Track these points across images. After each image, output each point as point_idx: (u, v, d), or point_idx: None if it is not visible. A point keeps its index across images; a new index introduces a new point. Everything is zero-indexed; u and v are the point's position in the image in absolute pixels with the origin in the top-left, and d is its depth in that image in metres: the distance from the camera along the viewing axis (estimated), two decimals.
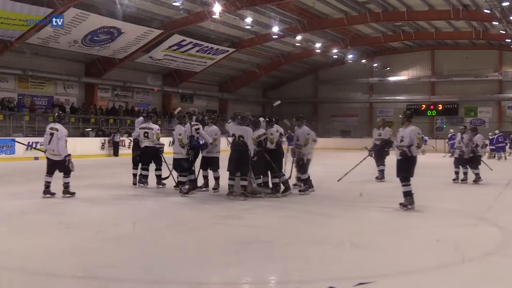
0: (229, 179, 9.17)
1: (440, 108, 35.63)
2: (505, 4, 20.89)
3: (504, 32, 26.41)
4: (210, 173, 10.18)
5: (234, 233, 6.53)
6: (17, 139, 10.87)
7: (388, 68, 36.27)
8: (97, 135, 24.13)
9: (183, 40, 25.99)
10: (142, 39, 24.20)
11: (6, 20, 18.77)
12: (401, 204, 8.23)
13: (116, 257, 5.24)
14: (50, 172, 8.99)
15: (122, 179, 11.61)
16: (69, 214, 7.69)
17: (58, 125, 8.97)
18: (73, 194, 9.06)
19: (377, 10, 25.78)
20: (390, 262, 5.14)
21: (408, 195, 8.21)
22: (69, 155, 8.86)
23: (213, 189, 10.05)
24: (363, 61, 35.35)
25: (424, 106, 36.32)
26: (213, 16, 21.77)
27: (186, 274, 4.67)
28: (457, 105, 35.37)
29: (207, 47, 27.78)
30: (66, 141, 8.81)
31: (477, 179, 12.35)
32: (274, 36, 27.19)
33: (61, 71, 25.16)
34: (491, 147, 23.93)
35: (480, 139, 12.58)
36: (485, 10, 22.83)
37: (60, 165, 8.85)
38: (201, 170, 10.16)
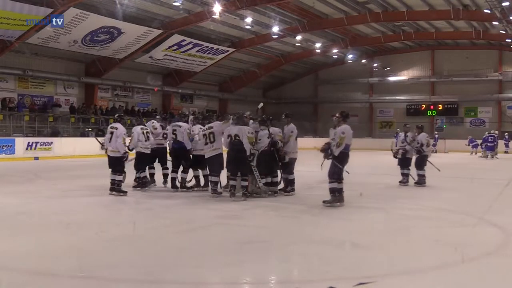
0: (230, 179, 9.16)
1: (440, 108, 35.62)
2: (505, 4, 20.91)
3: (504, 32, 26.44)
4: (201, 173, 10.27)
5: (234, 233, 6.52)
6: (97, 138, 11.24)
7: (388, 68, 36.30)
8: (97, 135, 24.11)
9: (183, 40, 26.01)
10: (142, 39, 24.22)
11: (6, 20, 18.79)
12: (324, 201, 8.34)
13: (116, 257, 5.23)
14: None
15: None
16: (69, 214, 7.68)
17: (117, 124, 9.55)
18: (125, 193, 9.36)
19: (377, 10, 25.81)
20: (390, 262, 5.13)
21: (331, 192, 8.32)
22: (127, 152, 9.40)
23: (203, 187, 10.12)
24: (363, 61, 35.37)
25: (424, 106, 36.35)
26: (213, 16, 21.79)
27: (186, 274, 4.66)
28: (457, 105, 35.39)
29: (207, 47, 27.80)
30: (124, 139, 9.34)
31: (421, 181, 11.46)
32: (274, 36, 27.22)
33: (61, 71, 25.20)
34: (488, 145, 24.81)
35: (425, 138, 11.68)
36: (485, 10, 22.85)
37: (119, 162, 9.31)
38: (191, 170, 10.25)
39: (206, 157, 9.55)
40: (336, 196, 8.31)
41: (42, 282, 4.49)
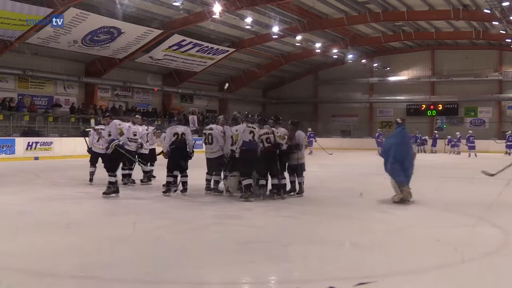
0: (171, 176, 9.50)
1: (440, 108, 35.64)
2: (505, 4, 20.91)
3: (504, 32, 26.43)
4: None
5: (234, 233, 6.52)
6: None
7: (388, 68, 36.28)
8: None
9: (183, 40, 26.00)
10: (142, 39, 24.21)
11: (6, 20, 18.78)
12: (240, 196, 8.88)
13: (116, 257, 5.23)
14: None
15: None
16: (69, 214, 7.68)
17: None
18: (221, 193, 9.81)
19: (377, 10, 25.81)
20: (390, 262, 5.13)
21: (247, 188, 8.75)
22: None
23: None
24: (363, 61, 35.33)
25: (424, 106, 36.35)
26: (213, 16, 21.78)
27: (186, 274, 4.66)
28: (457, 105, 35.38)
29: (207, 47, 27.80)
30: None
31: (300, 190, 9.49)
32: (274, 36, 27.21)
33: (61, 71, 25.20)
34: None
35: (302, 137, 9.54)
36: (485, 10, 22.86)
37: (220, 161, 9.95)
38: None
39: (206, 157, 9.83)
40: (251, 191, 8.80)
41: (42, 282, 4.48)
